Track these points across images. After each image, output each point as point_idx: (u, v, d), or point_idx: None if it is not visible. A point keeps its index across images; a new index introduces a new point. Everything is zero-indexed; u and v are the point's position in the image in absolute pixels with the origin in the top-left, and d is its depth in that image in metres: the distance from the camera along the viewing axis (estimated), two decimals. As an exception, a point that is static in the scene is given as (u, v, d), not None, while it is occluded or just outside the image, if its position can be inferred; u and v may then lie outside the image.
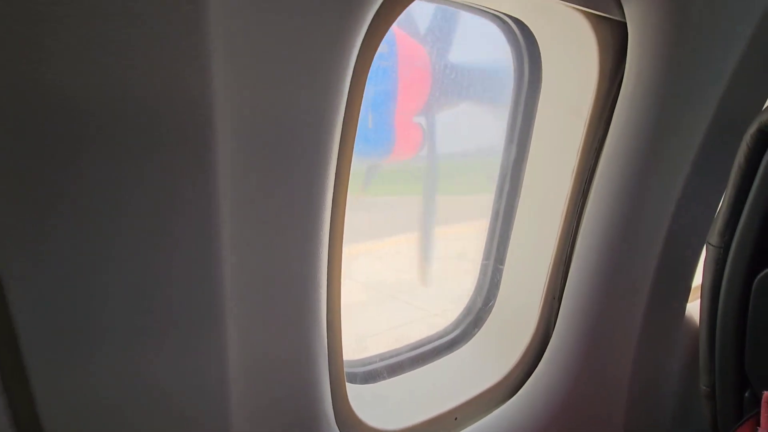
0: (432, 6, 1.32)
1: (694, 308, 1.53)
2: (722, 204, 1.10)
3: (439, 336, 1.24)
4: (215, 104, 0.54)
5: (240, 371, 0.67)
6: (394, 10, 0.73)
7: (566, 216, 1.18)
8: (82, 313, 0.53)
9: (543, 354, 1.22)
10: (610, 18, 0.98)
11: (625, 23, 0.99)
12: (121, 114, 0.49)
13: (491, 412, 1.14)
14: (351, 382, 1.04)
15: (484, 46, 1.36)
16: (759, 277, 1.04)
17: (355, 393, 0.94)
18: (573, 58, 1.08)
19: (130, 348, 0.57)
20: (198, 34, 0.50)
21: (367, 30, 0.68)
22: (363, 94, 0.75)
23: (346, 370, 0.92)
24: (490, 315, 1.26)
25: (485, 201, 1.32)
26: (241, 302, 0.66)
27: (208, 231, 0.58)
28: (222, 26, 0.52)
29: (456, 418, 1.08)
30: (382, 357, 1.13)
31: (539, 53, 1.10)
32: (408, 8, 0.81)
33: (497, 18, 1.08)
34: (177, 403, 0.62)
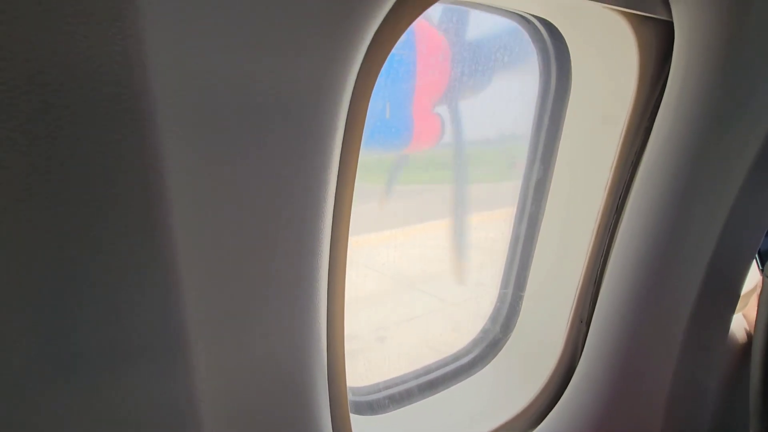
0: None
1: (736, 322, 1.41)
2: None
3: (453, 359, 1.16)
4: (166, 80, 0.45)
5: (219, 402, 0.60)
6: (405, 17, 0.63)
7: (597, 233, 1.07)
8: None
9: (569, 382, 1.14)
10: (653, 18, 0.84)
11: (671, 22, 0.85)
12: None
13: (511, 445, 1.08)
14: (355, 412, 0.99)
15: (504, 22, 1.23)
16: None
17: (359, 426, 0.88)
18: (608, 61, 0.94)
19: (90, 376, 0.51)
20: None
21: (375, 35, 0.60)
22: (373, 85, 0.66)
23: (349, 398, 0.86)
24: (510, 338, 1.18)
25: (504, 189, 1.23)
26: (220, 317, 0.57)
27: (153, 233, 0.49)
28: None
29: None
30: (389, 384, 1.07)
31: (568, 55, 0.97)
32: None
33: (522, 18, 0.95)
34: None
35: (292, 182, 0.58)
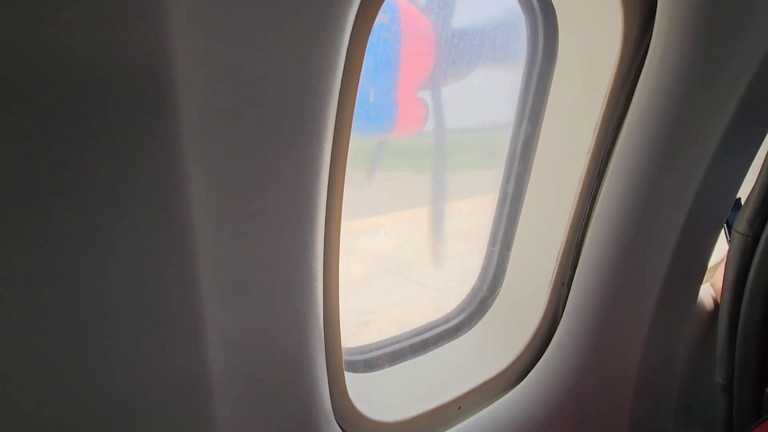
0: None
1: (704, 291, 1.49)
2: (753, 190, 1.03)
3: (442, 322, 1.19)
4: (177, 72, 0.46)
5: (226, 363, 0.62)
6: None
7: (579, 198, 1.11)
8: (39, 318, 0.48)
9: (550, 341, 1.18)
10: None
11: None
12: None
13: (496, 400, 1.11)
14: (350, 370, 1.00)
15: (493, 6, 1.26)
16: None
17: (354, 382, 0.90)
18: (594, 25, 0.99)
19: (103, 350, 0.51)
20: None
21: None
22: (361, 67, 0.68)
23: (344, 358, 0.88)
24: (496, 301, 1.22)
25: (486, 178, 1.26)
26: (226, 289, 0.60)
27: (177, 216, 0.51)
28: None
29: (459, 408, 1.04)
30: (381, 344, 1.09)
31: (556, 21, 1.02)
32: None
33: (511, -19, 0.99)
34: (157, 401, 0.57)
35: (290, 165, 0.61)
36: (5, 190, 0.42)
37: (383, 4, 0.68)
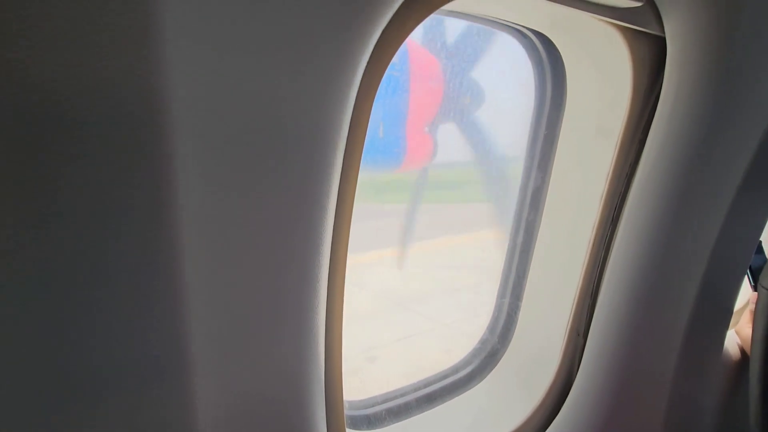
0: (451, 20, 1.23)
1: (729, 339, 1.41)
2: None
3: (450, 373, 1.14)
4: (171, 100, 0.45)
5: (216, 419, 0.59)
6: (410, 20, 0.65)
7: (593, 245, 1.08)
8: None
9: (566, 397, 1.12)
10: (647, 32, 0.88)
11: (664, 38, 0.88)
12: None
13: (508, 461, 1.05)
14: (351, 427, 0.96)
15: (501, 61, 1.26)
16: None
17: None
18: (603, 74, 0.97)
19: (88, 395, 0.48)
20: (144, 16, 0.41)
21: (380, 38, 0.60)
22: (373, 102, 0.66)
23: (345, 413, 0.83)
24: (506, 352, 1.16)
25: (492, 210, 1.24)
26: (218, 339, 0.56)
27: (167, 266, 0.49)
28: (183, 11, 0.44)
29: None
30: (386, 397, 1.05)
31: (564, 70, 1.00)
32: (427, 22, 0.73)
33: (517, 32, 0.98)
34: None
35: (296, 194, 0.58)
36: None
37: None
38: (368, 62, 0.60)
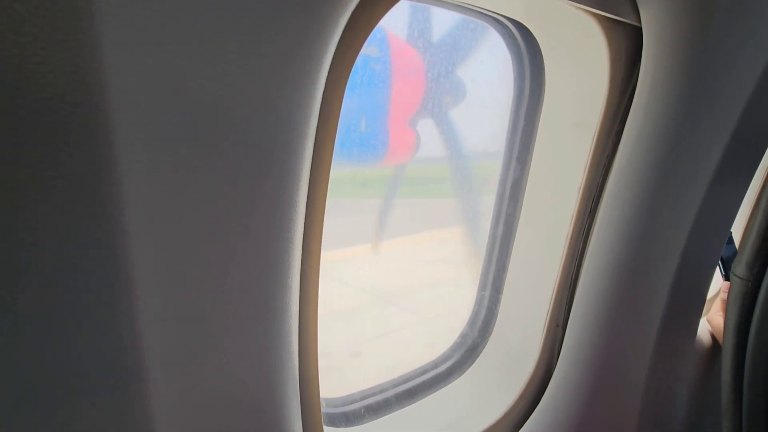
0: (429, 9, 1.21)
1: (701, 327, 1.44)
2: (750, 232, 0.99)
3: (429, 368, 1.14)
4: (112, 94, 0.41)
5: (176, 421, 0.56)
6: (378, 7, 0.62)
7: (572, 237, 1.08)
8: None
9: (546, 387, 1.12)
10: (623, 22, 0.87)
11: (640, 28, 0.88)
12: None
13: (489, 454, 1.05)
14: (330, 425, 0.94)
15: (482, 52, 1.25)
16: None
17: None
18: (580, 65, 0.97)
19: (35, 411, 0.45)
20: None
21: (349, 20, 0.57)
22: (344, 91, 0.63)
23: (323, 410, 0.81)
24: (487, 345, 1.16)
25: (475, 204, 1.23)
26: (175, 337, 0.53)
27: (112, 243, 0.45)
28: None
29: None
30: (365, 394, 1.03)
31: (542, 60, 0.99)
32: (404, 13, 0.70)
33: (495, 21, 0.97)
34: None
35: (262, 187, 0.55)
36: None
37: (371, 39, 0.65)
38: (337, 47, 0.57)
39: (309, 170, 0.61)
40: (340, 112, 0.64)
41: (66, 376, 0.46)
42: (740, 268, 0.99)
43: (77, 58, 0.40)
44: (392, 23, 1.23)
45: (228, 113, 0.50)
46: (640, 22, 0.87)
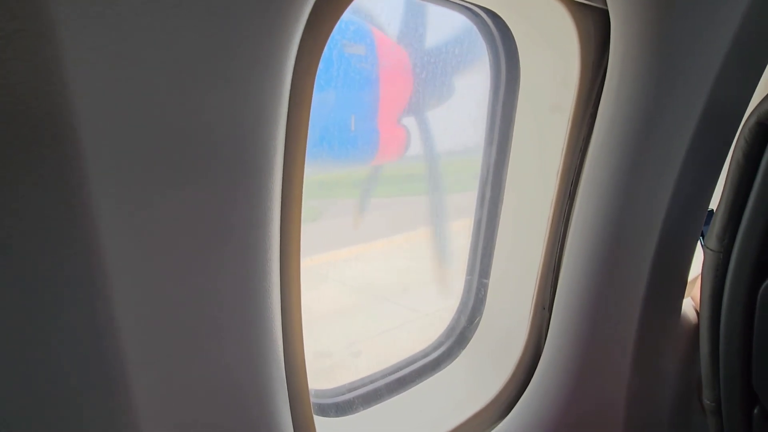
0: (407, 4, 1.23)
1: (686, 305, 1.45)
2: (720, 205, 1.01)
3: (420, 357, 1.15)
4: (73, 98, 0.42)
5: (167, 421, 0.58)
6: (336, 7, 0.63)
7: (553, 220, 1.09)
8: None
9: (535, 369, 1.14)
10: (590, 5, 0.89)
11: (607, 11, 0.90)
12: None
13: (482, 436, 1.06)
14: (321, 414, 0.95)
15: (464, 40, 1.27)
16: (765, 284, 0.94)
17: (325, 429, 0.85)
18: (552, 50, 0.99)
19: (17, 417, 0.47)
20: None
21: (312, 11, 0.57)
22: (312, 90, 0.64)
23: (314, 401, 0.83)
24: (477, 330, 1.18)
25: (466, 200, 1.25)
26: (155, 338, 0.54)
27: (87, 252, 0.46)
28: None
29: None
30: (355, 385, 1.04)
31: (516, 47, 1.01)
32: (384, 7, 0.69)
33: (469, 11, 0.99)
34: None
35: (234, 191, 0.56)
36: None
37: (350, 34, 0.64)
38: (302, 40, 0.58)
39: (281, 170, 0.62)
40: (310, 110, 0.64)
41: (48, 379, 0.47)
42: (711, 240, 1.01)
43: (39, 71, 0.40)
44: (375, 20, 1.25)
45: (196, 120, 0.51)
46: (606, 5, 0.88)
